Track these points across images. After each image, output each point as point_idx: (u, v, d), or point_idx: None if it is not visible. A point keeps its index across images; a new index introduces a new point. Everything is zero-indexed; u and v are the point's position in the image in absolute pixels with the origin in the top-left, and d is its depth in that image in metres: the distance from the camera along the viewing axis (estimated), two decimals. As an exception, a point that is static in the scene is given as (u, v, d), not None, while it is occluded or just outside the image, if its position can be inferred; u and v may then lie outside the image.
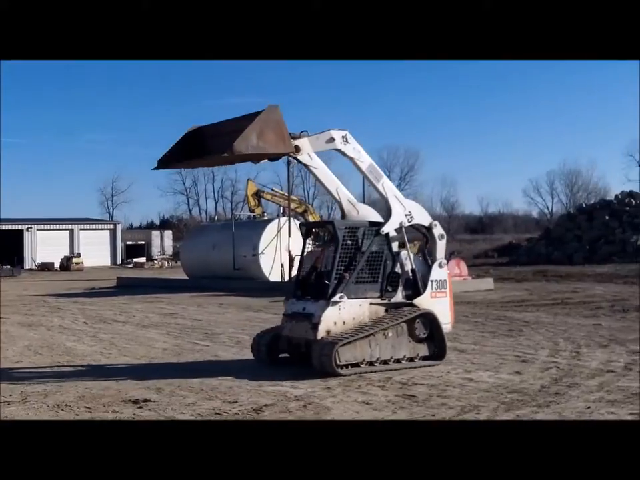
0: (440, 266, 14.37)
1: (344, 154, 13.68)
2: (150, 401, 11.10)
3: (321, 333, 12.86)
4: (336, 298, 13.00)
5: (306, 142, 13.13)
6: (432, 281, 14.16)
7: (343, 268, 13.28)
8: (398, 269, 13.94)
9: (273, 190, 45.97)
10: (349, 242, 13.44)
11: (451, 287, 14.60)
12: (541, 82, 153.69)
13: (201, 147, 13.47)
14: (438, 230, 14.60)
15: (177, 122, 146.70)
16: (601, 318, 20.45)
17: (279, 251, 36.67)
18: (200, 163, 15.49)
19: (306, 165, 13.46)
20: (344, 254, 13.31)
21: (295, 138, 12.99)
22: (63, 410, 10.59)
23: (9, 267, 62.00)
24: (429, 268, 14.28)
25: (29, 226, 77.60)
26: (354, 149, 13.72)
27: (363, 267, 13.43)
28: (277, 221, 38.69)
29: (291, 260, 34.99)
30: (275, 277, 36.61)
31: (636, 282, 32.33)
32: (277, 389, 11.82)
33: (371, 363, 12.97)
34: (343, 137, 13.53)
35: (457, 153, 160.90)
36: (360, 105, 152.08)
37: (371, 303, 13.45)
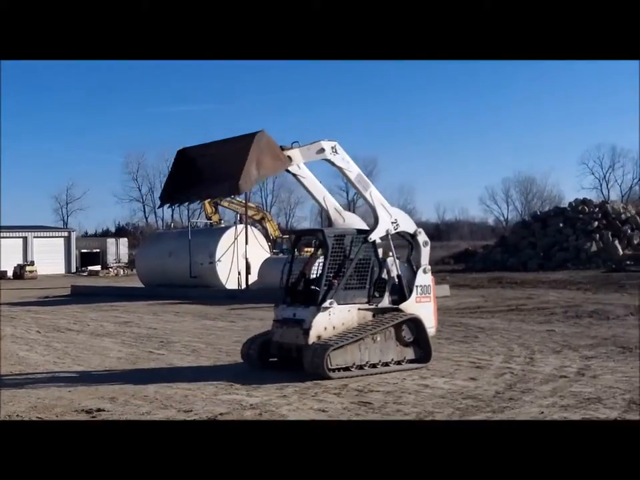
0: (424, 272, 14.85)
1: (333, 164, 14.07)
2: (103, 410, 10.99)
3: (312, 338, 13.25)
4: (326, 304, 13.40)
5: (297, 153, 13.52)
6: (417, 286, 14.62)
7: (332, 274, 13.70)
8: (384, 275, 14.33)
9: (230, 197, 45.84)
10: (338, 249, 13.84)
11: (434, 292, 15.02)
12: (496, 90, 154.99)
13: (202, 185, 13.80)
14: (422, 237, 15.06)
15: (138, 126, 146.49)
16: (554, 324, 20.66)
17: (236, 258, 36.55)
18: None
19: (294, 175, 13.89)
20: (333, 261, 13.75)
21: (285, 149, 13.35)
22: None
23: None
24: (414, 274, 14.70)
25: (-19, 234, 76.53)
26: (343, 159, 14.14)
27: (351, 274, 13.85)
28: (234, 228, 38.58)
29: (248, 267, 34.91)
30: (231, 284, 36.50)
31: (589, 288, 32.72)
32: (233, 397, 11.77)
33: (361, 367, 13.32)
34: (332, 147, 13.94)
35: (414, 160, 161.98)
36: (317, 109, 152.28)
37: (359, 309, 13.86)
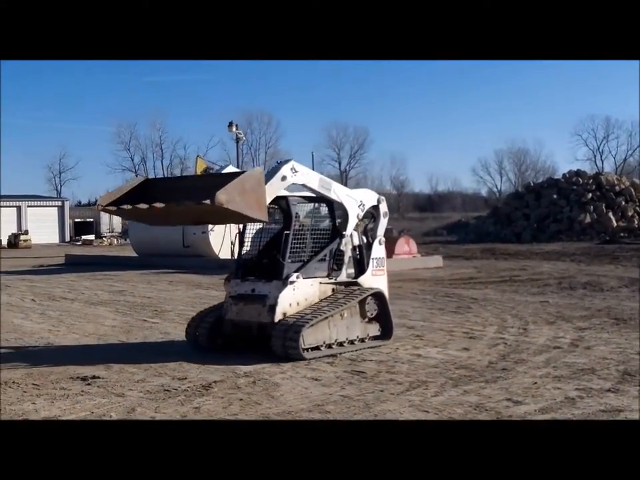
0: (379, 243, 14.07)
1: (295, 184, 12.86)
2: (98, 377, 11.02)
3: (279, 316, 12.20)
4: (293, 278, 12.38)
5: (271, 193, 12.13)
6: (373, 259, 13.82)
7: (298, 247, 12.75)
8: (343, 247, 13.36)
9: (222, 167, 45.60)
10: (301, 219, 13.09)
11: (385, 265, 14.26)
12: (490, 62, 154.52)
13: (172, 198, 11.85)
14: (383, 207, 14.24)
15: (129, 95, 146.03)
16: (548, 295, 20.71)
17: (229, 228, 36.46)
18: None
19: None
20: (297, 231, 12.81)
21: None
22: (10, 387, 10.46)
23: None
24: (370, 246, 13.96)
25: (-25, 203, 76.31)
26: (302, 175, 12.76)
27: (314, 245, 13.00)
28: (227, 198, 38.33)
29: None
30: (224, 254, 36.37)
31: (583, 260, 32.81)
32: (226, 366, 11.79)
33: (329, 345, 12.46)
34: (291, 169, 12.50)
35: (407, 131, 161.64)
36: (305, 77, 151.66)
37: (320, 282, 12.91)
